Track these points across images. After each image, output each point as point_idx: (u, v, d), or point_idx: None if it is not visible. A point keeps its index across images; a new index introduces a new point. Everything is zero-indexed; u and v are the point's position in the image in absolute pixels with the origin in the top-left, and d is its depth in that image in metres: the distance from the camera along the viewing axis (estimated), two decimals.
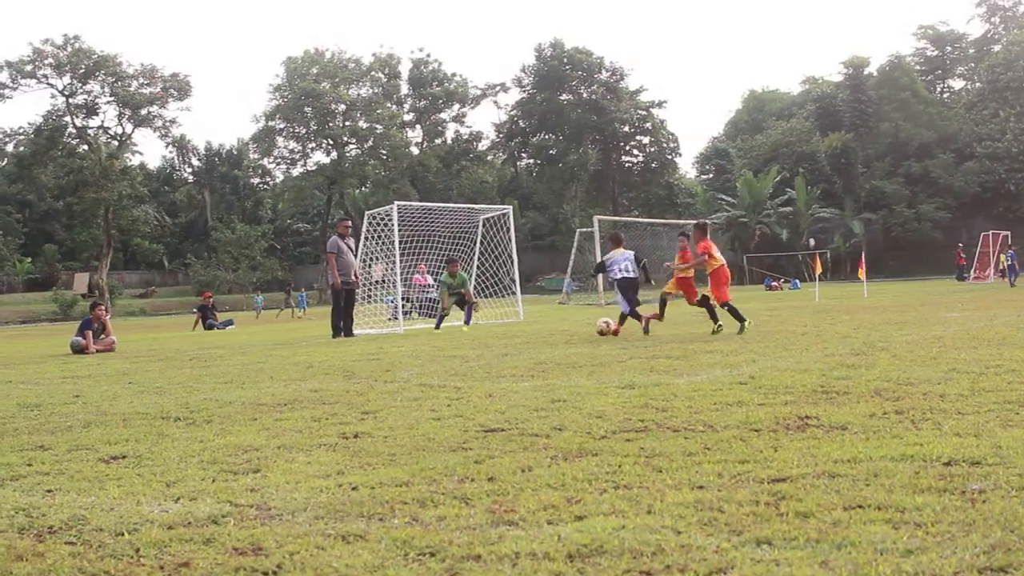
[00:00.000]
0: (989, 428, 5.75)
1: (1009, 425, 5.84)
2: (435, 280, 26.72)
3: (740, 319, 15.80)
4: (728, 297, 16.32)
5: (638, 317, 16.53)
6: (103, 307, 20.83)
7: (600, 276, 36.47)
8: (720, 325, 15.37)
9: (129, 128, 75.60)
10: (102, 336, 19.64)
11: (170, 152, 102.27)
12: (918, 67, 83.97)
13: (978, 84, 77.67)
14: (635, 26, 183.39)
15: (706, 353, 11.72)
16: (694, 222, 18.15)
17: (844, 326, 16.21)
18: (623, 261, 17.19)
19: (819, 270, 30.71)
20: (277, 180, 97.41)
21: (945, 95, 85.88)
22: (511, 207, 28.59)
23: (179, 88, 73.68)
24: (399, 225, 23.02)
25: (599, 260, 17.03)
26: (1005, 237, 53.20)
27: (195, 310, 32.76)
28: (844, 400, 7.14)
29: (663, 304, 17.12)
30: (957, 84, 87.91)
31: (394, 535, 3.93)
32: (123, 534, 4.16)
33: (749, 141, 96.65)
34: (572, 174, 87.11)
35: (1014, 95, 71.97)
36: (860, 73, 79.11)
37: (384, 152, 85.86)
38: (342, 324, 20.77)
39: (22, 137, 76.36)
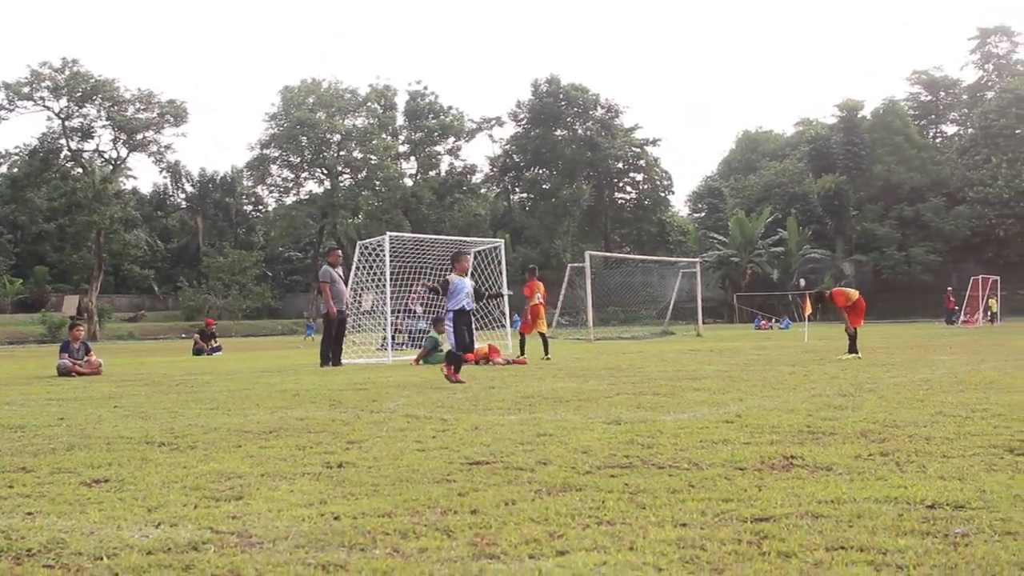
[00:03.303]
0: (974, 472, 5.75)
1: (993, 469, 5.84)
2: (424, 311, 26.74)
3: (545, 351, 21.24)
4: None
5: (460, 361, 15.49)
6: (81, 327, 20.74)
7: (590, 311, 36.62)
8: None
9: (124, 152, 75.61)
10: (85, 358, 19.54)
11: (164, 177, 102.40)
12: (911, 111, 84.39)
13: (971, 130, 78.07)
14: (631, 64, 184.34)
15: (693, 391, 11.71)
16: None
17: (832, 367, 16.22)
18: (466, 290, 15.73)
19: (809, 311, 30.75)
20: (270, 208, 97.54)
21: (937, 140, 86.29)
22: (503, 240, 28.63)
23: (175, 114, 73.76)
24: (391, 256, 23.06)
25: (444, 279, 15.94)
26: (994, 282, 53.40)
27: (196, 335, 32.70)
28: (830, 441, 7.13)
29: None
30: (950, 129, 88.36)
31: (375, 566, 3.92)
32: (102, 558, 4.13)
33: (742, 181, 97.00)
34: (565, 209, 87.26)
35: (1006, 141, 72.31)
36: (854, 116, 79.50)
37: (378, 183, 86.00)
38: (331, 353, 20.76)
39: (16, 158, 76.30)
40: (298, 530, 4.54)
